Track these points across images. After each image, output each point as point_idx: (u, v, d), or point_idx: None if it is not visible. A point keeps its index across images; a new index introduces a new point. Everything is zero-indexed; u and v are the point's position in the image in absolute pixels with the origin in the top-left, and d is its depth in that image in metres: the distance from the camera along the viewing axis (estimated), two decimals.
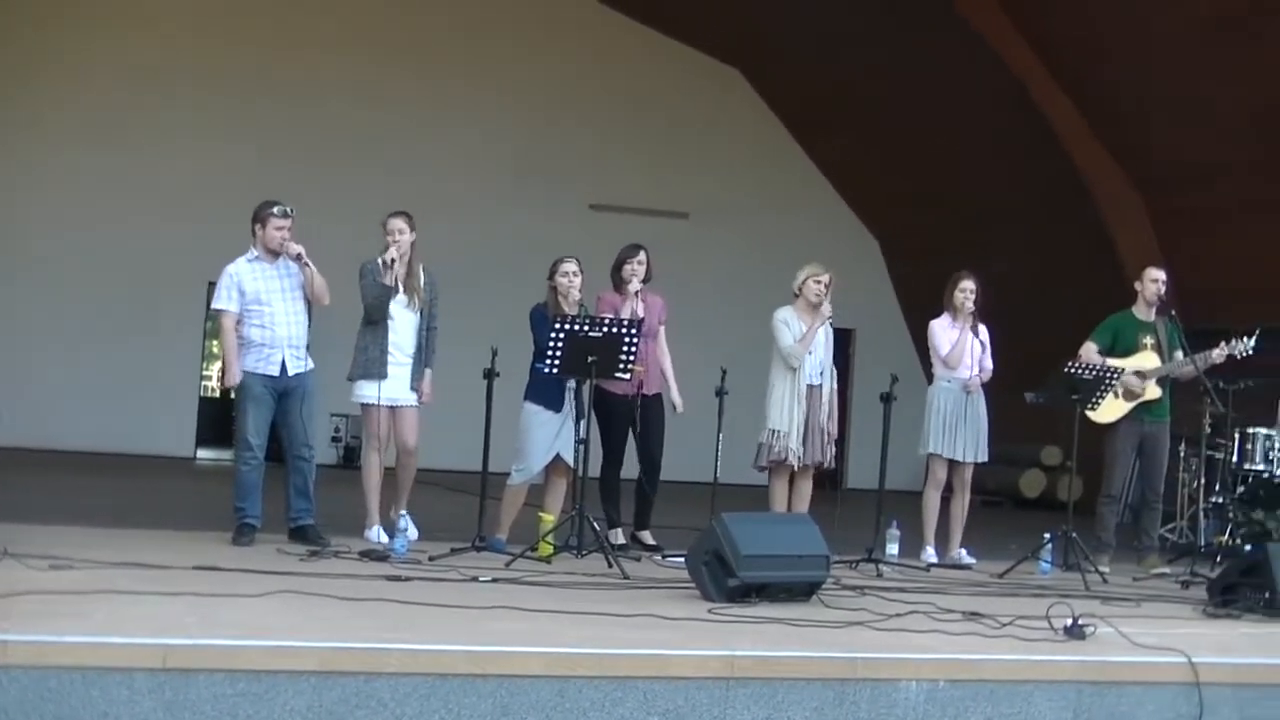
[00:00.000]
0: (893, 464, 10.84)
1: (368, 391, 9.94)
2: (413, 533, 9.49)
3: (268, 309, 9.63)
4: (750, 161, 22.10)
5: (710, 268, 20.98)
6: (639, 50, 21.67)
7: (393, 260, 9.84)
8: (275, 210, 9.71)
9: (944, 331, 11.30)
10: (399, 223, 9.98)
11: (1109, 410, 11.35)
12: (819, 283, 10.81)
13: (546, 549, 9.53)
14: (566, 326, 9.50)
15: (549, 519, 9.90)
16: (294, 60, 20.12)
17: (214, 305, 9.79)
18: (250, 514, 9.62)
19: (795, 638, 6.84)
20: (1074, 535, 10.50)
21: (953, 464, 11.20)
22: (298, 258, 9.64)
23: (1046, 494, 19.98)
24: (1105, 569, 10.69)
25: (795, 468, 10.72)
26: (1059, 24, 17.45)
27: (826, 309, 10.76)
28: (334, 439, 19.95)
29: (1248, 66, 15.52)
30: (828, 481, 12.71)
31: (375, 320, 9.92)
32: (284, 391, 9.70)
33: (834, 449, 10.97)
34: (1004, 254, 19.39)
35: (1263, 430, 13.06)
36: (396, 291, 9.88)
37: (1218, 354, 11.42)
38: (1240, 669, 7.04)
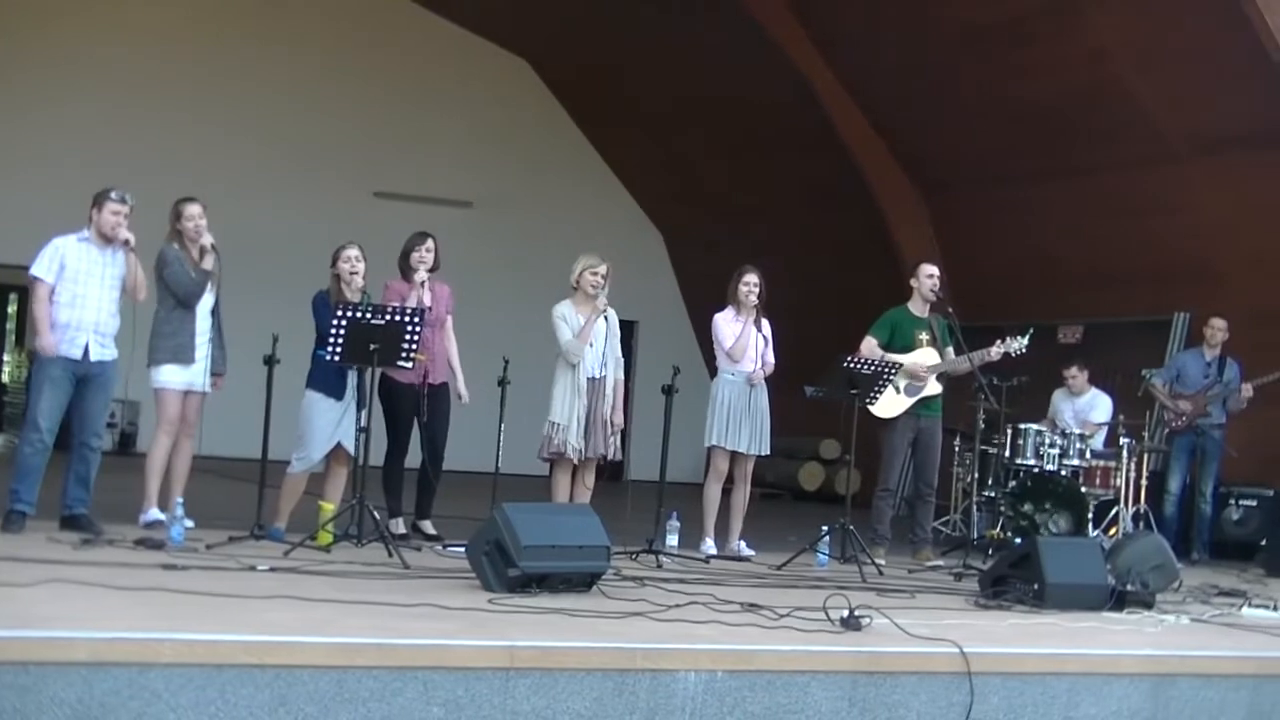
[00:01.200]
0: (674, 456, 10.90)
1: (173, 377, 9.82)
2: (189, 520, 9.33)
3: (80, 290, 9.46)
4: (536, 152, 22.09)
5: (494, 257, 20.90)
6: (425, 37, 21.53)
7: (211, 245, 9.76)
8: (113, 195, 9.57)
9: (727, 325, 11.38)
10: (195, 208, 9.86)
11: (890, 405, 11.56)
12: (595, 274, 10.81)
13: (326, 538, 9.42)
14: (348, 314, 9.41)
15: (329, 508, 9.80)
16: (83, 44, 19.64)
17: (32, 270, 9.51)
18: (25, 499, 9.37)
19: (575, 628, 6.84)
20: (851, 528, 10.65)
21: (734, 456, 11.29)
22: (125, 243, 9.50)
23: (825, 487, 20.27)
24: (881, 561, 10.87)
25: (575, 460, 10.73)
26: (842, 22, 17.71)
27: (602, 301, 10.77)
28: (109, 424, 19.47)
29: (1023, 69, 15.90)
30: (610, 471, 12.73)
31: (189, 306, 9.81)
32: (84, 377, 9.51)
33: (618, 440, 11.00)
34: (786, 249, 19.67)
35: (1034, 426, 13.39)
36: (210, 277, 9.82)
37: (994, 352, 11.70)
38: (1009, 659, 7.19)
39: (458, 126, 21.58)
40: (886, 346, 11.67)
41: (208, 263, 9.85)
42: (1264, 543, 13.67)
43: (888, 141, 18.78)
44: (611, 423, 10.83)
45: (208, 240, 9.79)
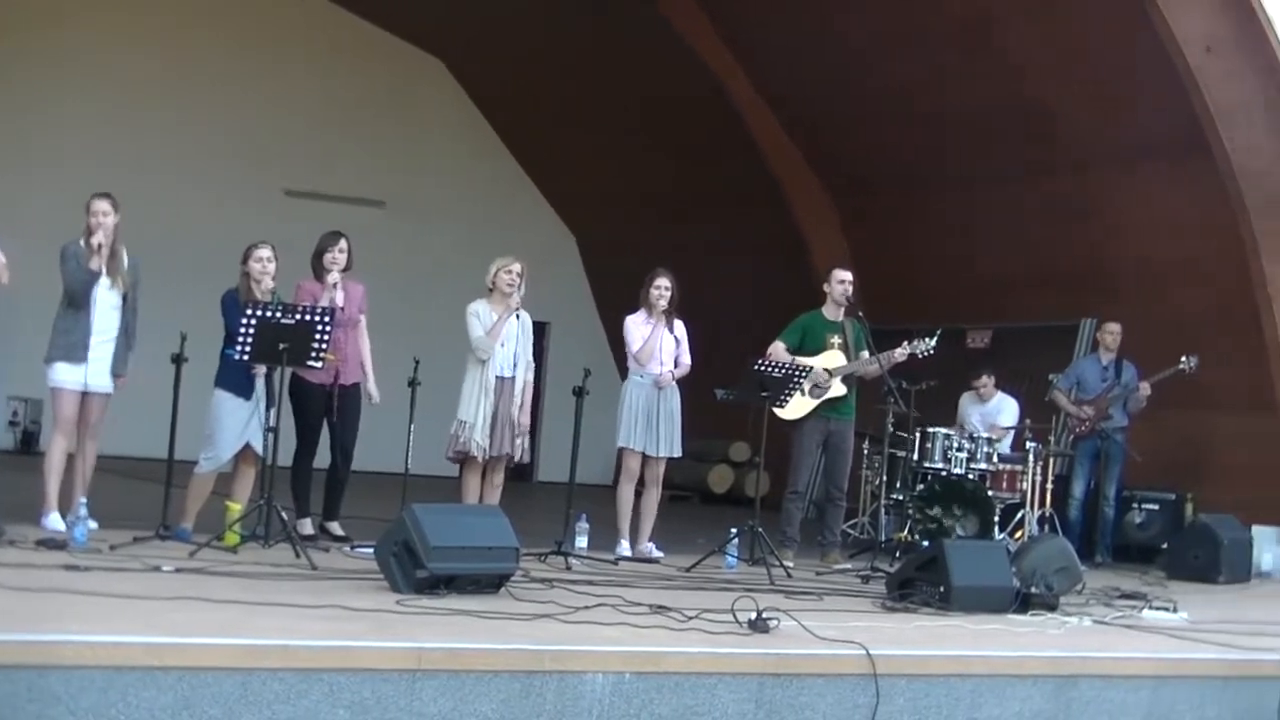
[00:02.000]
0: (584, 458, 10.90)
1: (65, 375, 9.65)
2: (92, 522, 9.23)
3: None
4: (450, 153, 22.01)
5: (406, 257, 20.78)
6: (339, 35, 21.40)
7: (99, 244, 9.59)
8: None
9: (637, 328, 11.40)
10: (103, 204, 9.70)
11: (797, 407, 11.62)
12: (510, 273, 10.81)
13: (233, 538, 9.37)
14: (258, 313, 9.34)
15: (236, 508, 9.75)
16: None
17: None
18: None
19: (483, 630, 6.84)
20: (760, 530, 10.69)
21: (645, 458, 11.31)
22: None
23: (734, 489, 20.32)
24: (789, 563, 10.93)
25: (480, 460, 10.72)
26: (756, 24, 17.77)
27: (515, 300, 10.76)
28: (12, 423, 19.27)
29: (938, 76, 16.04)
30: (520, 473, 12.73)
31: (79, 305, 9.65)
32: None
33: (525, 442, 10.99)
34: (699, 251, 19.68)
35: (942, 430, 13.50)
36: (100, 275, 9.63)
37: (900, 353, 11.79)
38: (914, 660, 7.25)
39: (372, 126, 21.47)
40: (797, 350, 11.72)
41: (95, 263, 9.61)
42: (1165, 546, 13.86)
43: (801, 145, 18.87)
44: (518, 423, 10.81)
45: (99, 237, 9.58)
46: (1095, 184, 15.51)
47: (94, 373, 9.66)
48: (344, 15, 21.47)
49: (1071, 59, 14.88)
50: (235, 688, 5.80)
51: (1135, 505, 14.72)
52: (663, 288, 11.36)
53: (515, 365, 10.80)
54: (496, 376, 10.70)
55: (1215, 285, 14.63)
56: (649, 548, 11.24)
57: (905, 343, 11.85)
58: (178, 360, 9.62)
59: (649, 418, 11.24)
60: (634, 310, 11.50)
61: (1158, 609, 9.85)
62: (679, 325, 11.42)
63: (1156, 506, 14.72)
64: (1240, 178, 13.91)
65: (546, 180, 22.93)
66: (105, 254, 9.63)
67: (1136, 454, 14.15)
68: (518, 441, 10.82)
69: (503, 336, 10.71)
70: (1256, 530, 13.72)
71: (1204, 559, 12.86)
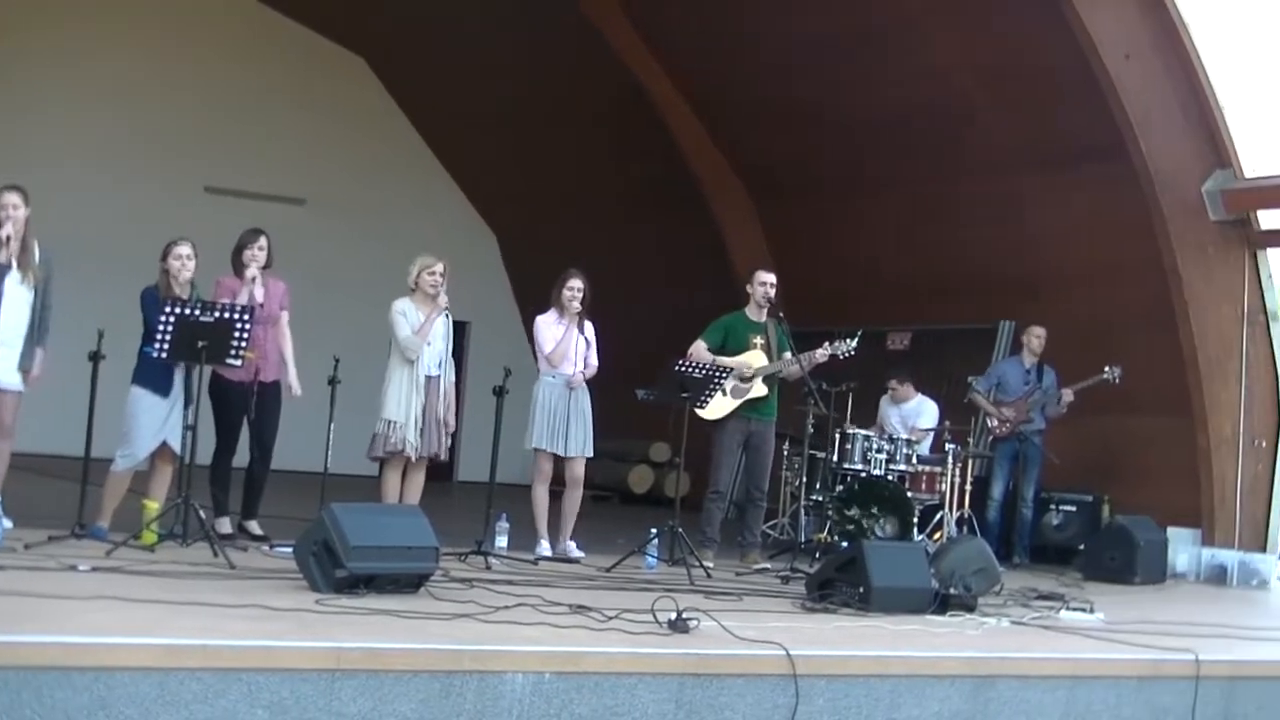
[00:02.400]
0: (504, 457, 10.88)
1: None
2: (6, 520, 9.12)
3: None
4: (371, 151, 21.92)
5: (325, 255, 20.65)
6: (260, 32, 21.27)
7: (7, 237, 9.44)
8: None
9: (549, 328, 11.37)
10: (13, 197, 9.54)
11: (718, 408, 11.63)
12: (433, 273, 10.78)
13: (150, 537, 9.29)
14: (177, 310, 9.27)
15: (153, 506, 9.66)
16: None
17: None
18: None
19: (403, 629, 6.82)
20: (680, 530, 10.70)
21: (563, 459, 11.29)
22: None
23: (654, 489, 20.32)
24: (709, 564, 10.94)
25: (411, 459, 10.68)
26: (677, 30, 17.81)
27: (443, 299, 10.74)
28: None
29: (859, 80, 16.11)
30: (439, 472, 12.69)
31: None
32: None
33: (450, 440, 10.96)
34: (621, 252, 19.71)
35: (861, 431, 13.56)
36: (10, 269, 9.48)
37: (821, 354, 11.84)
38: (834, 661, 7.28)
39: (292, 123, 21.34)
40: (719, 350, 11.74)
41: (3, 256, 9.41)
42: (1082, 547, 13.99)
43: (722, 147, 18.91)
44: (445, 422, 10.79)
45: (8, 230, 9.37)
46: (1015, 188, 15.61)
47: (1, 370, 9.51)
48: (266, 12, 21.34)
49: (992, 63, 14.98)
50: (152, 688, 5.75)
51: (1053, 507, 14.84)
52: (575, 288, 11.33)
53: (441, 364, 10.78)
54: (426, 376, 10.67)
55: (1133, 289, 14.77)
56: (570, 547, 11.23)
57: (826, 344, 11.89)
58: (95, 357, 9.53)
59: (561, 418, 11.21)
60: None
61: (1074, 610, 9.94)
62: (588, 326, 11.40)
63: (1074, 508, 14.85)
64: (1158, 183, 14.05)
65: (467, 179, 22.89)
66: (15, 247, 9.45)
67: (1054, 456, 14.26)
68: (444, 440, 10.81)
69: (430, 334, 10.69)
70: (1172, 532, 13.90)
71: (1120, 560, 13.00)
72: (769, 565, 11.58)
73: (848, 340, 11.89)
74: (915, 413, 14.50)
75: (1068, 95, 14.44)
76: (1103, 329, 14.82)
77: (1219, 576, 14.04)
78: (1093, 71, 13.81)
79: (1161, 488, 14.50)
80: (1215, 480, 14.21)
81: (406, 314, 10.70)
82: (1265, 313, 14.45)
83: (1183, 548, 14.12)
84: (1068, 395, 14.08)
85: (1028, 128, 15.14)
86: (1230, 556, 14.12)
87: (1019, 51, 14.62)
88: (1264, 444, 14.44)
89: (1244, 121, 14.26)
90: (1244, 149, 14.19)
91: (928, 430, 14.34)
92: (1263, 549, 14.32)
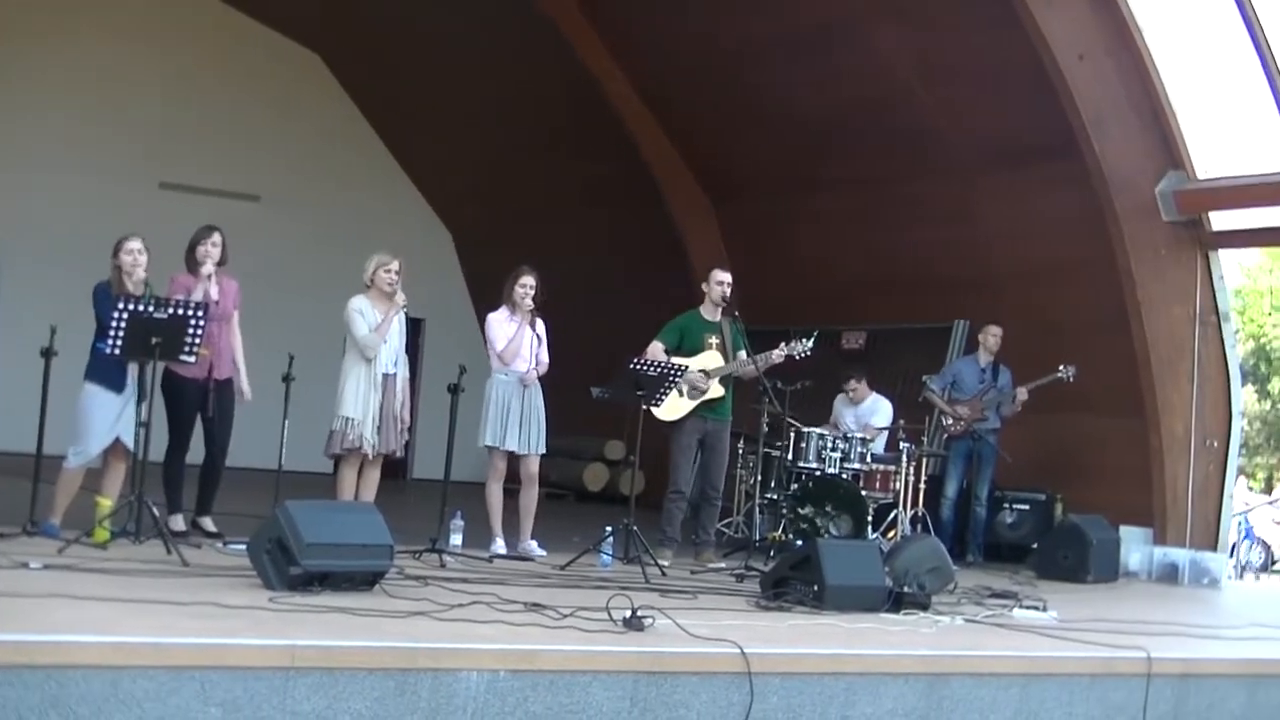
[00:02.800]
0: (459, 455, 10.86)
1: None
2: None
3: None
4: (326, 148, 21.87)
5: (280, 252, 20.63)
6: (217, 28, 21.18)
7: None
8: None
9: (500, 325, 11.34)
10: None
11: (672, 408, 11.64)
12: (389, 271, 10.77)
13: (103, 535, 9.23)
14: (130, 306, 9.21)
15: (106, 503, 9.60)
16: None
17: None
18: None
19: (357, 627, 6.79)
20: (635, 528, 10.70)
21: (518, 457, 11.27)
22: None
23: (609, 487, 20.34)
24: (666, 562, 10.95)
25: (369, 456, 10.66)
26: (635, 29, 17.82)
27: (401, 297, 10.73)
28: None
29: (813, 79, 16.14)
30: (394, 470, 12.67)
31: None
32: None
33: (405, 438, 10.95)
34: (577, 250, 19.73)
35: (816, 430, 13.58)
36: None
37: (778, 354, 11.85)
38: (788, 659, 7.28)
39: (248, 119, 21.28)
40: (675, 350, 11.74)
41: None
42: (1035, 546, 14.05)
43: (679, 146, 18.93)
44: (401, 419, 10.78)
45: None
46: (970, 187, 15.68)
47: None
48: (221, 8, 21.26)
49: (946, 63, 15.03)
50: (105, 686, 5.72)
51: (1006, 505, 14.91)
52: (527, 285, 11.30)
53: (398, 362, 10.77)
54: (383, 373, 10.65)
55: (1086, 289, 14.85)
56: (531, 546, 11.19)
57: (783, 344, 11.91)
58: (47, 354, 9.47)
59: (514, 416, 11.18)
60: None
61: (1028, 608, 9.99)
62: (540, 323, 11.38)
63: (1027, 507, 14.91)
64: (1111, 183, 14.12)
65: (423, 176, 22.86)
66: None
67: (1007, 455, 14.32)
68: (401, 438, 10.80)
69: (387, 332, 10.66)
70: (1124, 530, 13.99)
71: (1073, 559, 13.06)
72: (723, 564, 11.60)
73: (804, 340, 11.91)
74: (870, 411, 14.54)
75: (1022, 95, 14.50)
76: (1057, 329, 14.89)
77: (1170, 575, 14.13)
78: (1046, 72, 13.88)
79: (1114, 487, 14.59)
80: (1167, 480, 14.30)
81: (364, 312, 10.67)
82: (1217, 314, 14.56)
83: (1135, 546, 14.21)
84: (1022, 394, 14.14)
85: (982, 128, 15.20)
86: (1182, 555, 14.21)
87: (974, 52, 14.68)
88: (1215, 444, 14.54)
89: (1197, 123, 14.36)
90: (1197, 150, 14.29)
91: (882, 429, 14.38)
92: (1213, 548, 14.43)
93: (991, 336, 14.47)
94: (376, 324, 10.65)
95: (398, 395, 10.77)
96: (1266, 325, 37.76)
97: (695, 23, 16.74)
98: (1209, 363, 14.50)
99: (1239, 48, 13.53)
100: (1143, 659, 8.24)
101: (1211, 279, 14.56)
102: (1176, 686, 8.37)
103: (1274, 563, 24.48)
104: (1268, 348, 37.77)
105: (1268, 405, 37.70)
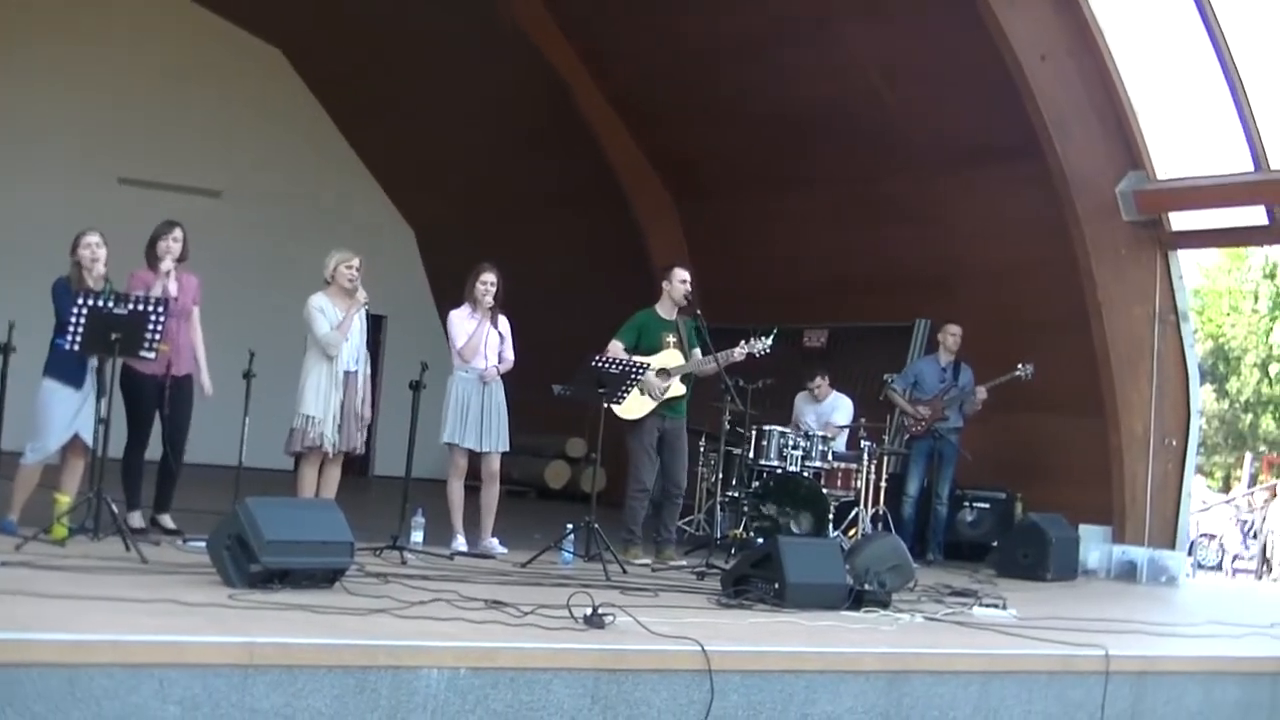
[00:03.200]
0: (420, 452, 10.83)
1: None
2: None
3: None
4: (288, 144, 21.82)
5: (241, 248, 20.54)
6: (176, 22, 21.08)
7: None
8: None
9: (461, 323, 11.32)
10: None
11: (633, 406, 11.63)
12: (350, 268, 10.74)
13: (61, 531, 9.17)
14: (89, 302, 9.17)
15: (64, 500, 9.54)
16: None
17: None
18: None
19: (317, 624, 6.77)
20: (596, 526, 10.69)
21: (478, 454, 11.25)
22: None
23: (570, 485, 20.34)
24: (632, 561, 10.95)
25: (330, 454, 10.63)
26: (600, 28, 17.81)
27: (362, 294, 10.70)
28: None
29: (776, 78, 16.16)
30: (355, 467, 12.63)
31: None
32: None
33: (365, 435, 10.92)
34: (539, 248, 19.71)
35: (777, 428, 13.60)
36: None
37: (738, 352, 11.84)
38: (749, 657, 7.29)
39: (209, 114, 21.17)
40: (635, 349, 11.74)
41: None
42: (995, 544, 14.11)
43: (643, 144, 18.93)
44: (362, 416, 10.75)
45: None
46: (931, 187, 15.72)
47: None
48: (183, 3, 21.15)
49: (909, 63, 15.07)
50: (62, 684, 5.69)
51: (967, 504, 14.95)
52: (488, 283, 11.28)
53: (358, 359, 10.74)
54: (344, 371, 10.62)
55: (1047, 289, 14.91)
56: (492, 544, 11.18)
57: (743, 342, 11.89)
58: (5, 349, 9.41)
59: (475, 413, 11.16)
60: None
61: (987, 606, 10.03)
62: (503, 321, 11.36)
63: (987, 505, 14.97)
64: (1072, 183, 14.18)
65: (385, 173, 22.82)
66: None
67: (968, 454, 14.36)
68: (361, 435, 10.78)
69: (349, 330, 10.64)
70: (1083, 529, 14.05)
71: (1032, 557, 13.11)
72: (684, 561, 11.60)
73: (764, 339, 11.91)
74: (831, 409, 14.57)
75: (983, 95, 14.55)
76: (1017, 328, 14.95)
77: (1129, 573, 14.21)
78: (1008, 72, 13.93)
79: (1074, 485, 14.66)
80: (1126, 478, 14.38)
81: (325, 310, 10.64)
82: (1176, 313, 14.64)
83: (1094, 545, 14.28)
84: (981, 393, 14.19)
85: (944, 127, 15.24)
86: (1140, 554, 14.29)
87: (936, 51, 14.72)
88: (1174, 443, 14.62)
89: (1157, 123, 14.43)
90: (1157, 151, 14.37)
91: (843, 427, 14.42)
92: (1172, 546, 14.52)
93: (950, 336, 14.51)
94: (338, 322, 10.61)
95: (359, 393, 10.74)
96: (1225, 325, 38.01)
97: (660, 22, 16.75)
98: (1168, 362, 14.58)
99: (1199, 50, 13.60)
100: (1101, 656, 8.28)
101: (1171, 279, 14.65)
102: (1134, 684, 8.41)
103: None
104: (1226, 347, 38.04)
105: (1226, 404, 37.95)
